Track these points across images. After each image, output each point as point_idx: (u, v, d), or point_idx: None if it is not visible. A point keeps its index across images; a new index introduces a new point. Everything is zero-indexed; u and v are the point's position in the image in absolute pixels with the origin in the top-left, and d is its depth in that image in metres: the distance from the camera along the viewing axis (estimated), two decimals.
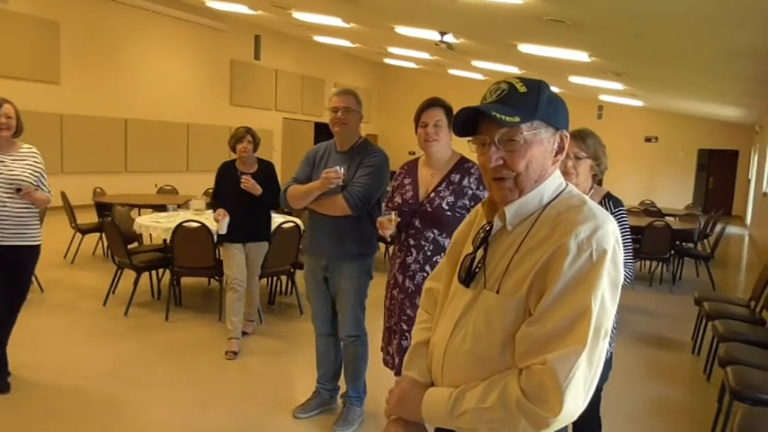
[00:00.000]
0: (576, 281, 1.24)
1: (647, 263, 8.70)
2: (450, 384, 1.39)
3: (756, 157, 15.36)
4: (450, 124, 2.85)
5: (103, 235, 7.45)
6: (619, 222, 1.91)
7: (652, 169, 19.21)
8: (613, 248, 1.27)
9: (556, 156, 1.39)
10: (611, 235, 1.28)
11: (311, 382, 3.75)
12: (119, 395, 3.83)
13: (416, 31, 10.77)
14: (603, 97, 17.02)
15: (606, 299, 1.25)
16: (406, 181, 2.97)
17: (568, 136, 1.41)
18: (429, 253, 2.83)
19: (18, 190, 3.62)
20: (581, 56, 9.63)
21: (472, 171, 2.85)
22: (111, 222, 5.72)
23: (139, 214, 7.53)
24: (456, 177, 2.84)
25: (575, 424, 1.35)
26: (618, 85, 13.03)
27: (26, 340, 3.95)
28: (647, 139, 19.36)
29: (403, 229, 2.89)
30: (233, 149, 4.75)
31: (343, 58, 19.62)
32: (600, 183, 2.76)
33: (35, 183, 3.75)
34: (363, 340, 3.51)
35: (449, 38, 10.45)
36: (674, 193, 18.14)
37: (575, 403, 1.21)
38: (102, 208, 7.73)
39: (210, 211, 5.11)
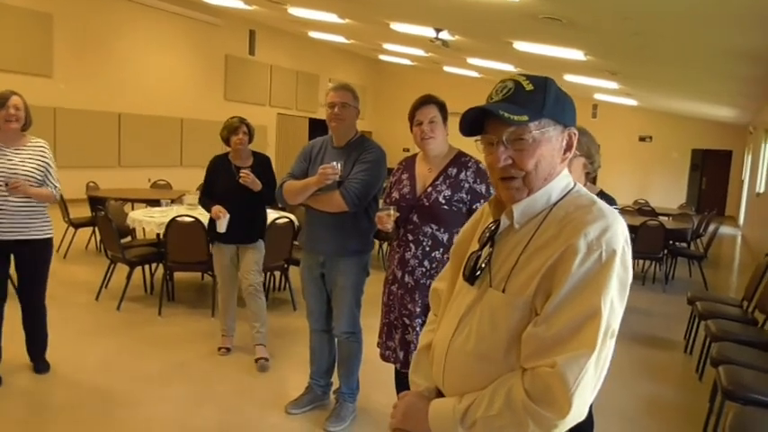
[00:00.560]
0: (585, 282, 1.22)
1: (641, 262, 8.71)
2: (451, 385, 1.38)
3: (750, 158, 15.41)
4: (445, 120, 2.86)
5: (96, 229, 7.43)
6: None
7: (646, 168, 19.28)
8: (623, 249, 1.26)
9: (564, 154, 1.37)
10: (621, 235, 1.26)
11: (304, 378, 3.75)
12: (111, 389, 3.82)
13: (412, 28, 10.75)
14: (598, 96, 17.05)
15: (615, 300, 1.23)
16: (404, 177, 2.97)
17: (576, 133, 1.39)
18: (428, 248, 2.83)
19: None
20: (576, 54, 9.63)
21: (469, 165, 2.84)
22: (104, 217, 5.70)
23: (133, 209, 7.48)
24: (453, 171, 2.84)
25: None
26: (613, 85, 13.05)
27: (17, 334, 3.92)
28: (642, 139, 19.42)
29: (401, 224, 2.89)
30: (226, 142, 4.34)
31: (338, 55, 19.57)
32: (594, 181, 2.76)
33: (40, 177, 3.72)
34: (358, 337, 3.50)
35: (444, 35, 10.43)
36: (668, 193, 18.24)
37: (582, 406, 1.20)
38: (96, 202, 7.68)
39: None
